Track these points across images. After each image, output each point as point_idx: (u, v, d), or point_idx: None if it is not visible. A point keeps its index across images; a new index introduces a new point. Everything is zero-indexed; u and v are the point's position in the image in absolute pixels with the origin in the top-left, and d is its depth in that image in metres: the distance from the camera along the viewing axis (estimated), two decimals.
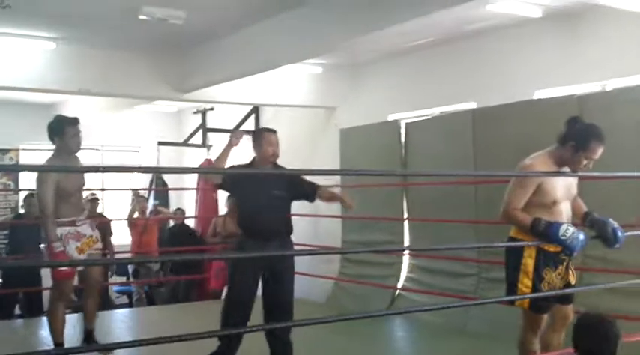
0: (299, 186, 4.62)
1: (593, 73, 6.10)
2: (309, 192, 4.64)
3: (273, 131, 4.58)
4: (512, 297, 3.76)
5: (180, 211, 9.59)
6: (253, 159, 4.60)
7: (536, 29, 6.56)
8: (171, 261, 8.46)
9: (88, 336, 5.01)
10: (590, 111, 5.29)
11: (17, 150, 10.97)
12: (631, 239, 3.76)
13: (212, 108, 10.67)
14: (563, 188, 3.74)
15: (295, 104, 9.12)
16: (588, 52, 6.16)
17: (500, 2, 5.27)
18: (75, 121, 4.81)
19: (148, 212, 9.34)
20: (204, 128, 10.78)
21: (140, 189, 9.52)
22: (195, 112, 11.04)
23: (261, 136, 4.53)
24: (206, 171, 7.56)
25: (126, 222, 8.94)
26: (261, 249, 4.39)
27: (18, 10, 6.12)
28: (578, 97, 5.81)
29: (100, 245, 4.95)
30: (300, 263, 8.80)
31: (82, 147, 4.82)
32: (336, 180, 7.69)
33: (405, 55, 7.84)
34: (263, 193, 4.41)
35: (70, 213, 4.66)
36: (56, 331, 4.83)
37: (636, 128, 5.32)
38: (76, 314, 7.80)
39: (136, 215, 8.99)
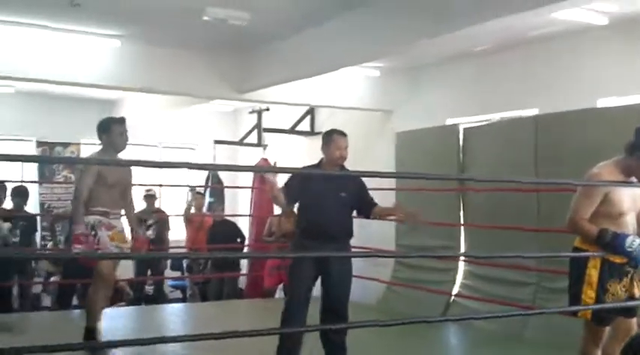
0: (363, 195, 4.63)
1: None
2: (367, 206, 4.64)
3: (343, 134, 4.59)
4: (575, 308, 3.71)
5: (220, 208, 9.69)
6: (321, 160, 4.63)
7: (600, 37, 6.43)
8: (225, 256, 8.51)
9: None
10: None
11: (78, 144, 11.29)
12: None
13: (267, 109, 10.78)
14: (630, 199, 3.68)
15: (351, 106, 9.14)
16: None
17: (565, 9, 5.17)
18: (122, 120, 5.00)
19: (204, 209, 9.49)
20: (259, 128, 10.91)
21: (197, 186, 9.68)
22: (251, 112, 11.18)
23: (331, 139, 4.54)
24: (266, 170, 7.60)
25: (182, 217, 9.10)
26: (319, 251, 4.41)
27: (86, 8, 6.30)
28: None
29: (128, 244, 5.03)
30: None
31: (127, 144, 4.98)
32: (391, 183, 7.67)
33: (466, 59, 7.77)
34: (329, 195, 4.43)
35: (106, 204, 4.84)
36: (92, 314, 4.89)
37: None
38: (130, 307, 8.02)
39: (192, 211, 9.15)
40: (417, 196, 7.46)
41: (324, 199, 4.42)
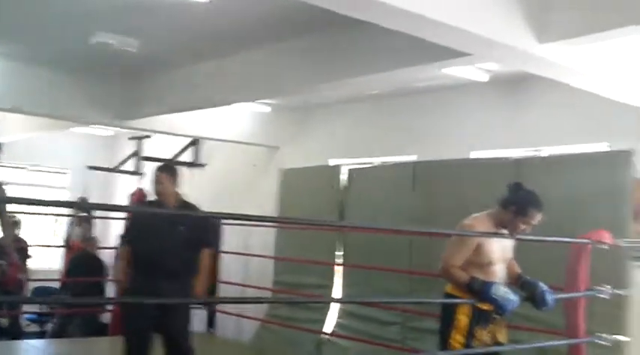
0: (203, 230, 4.53)
1: (529, 138, 6.37)
2: (201, 244, 4.49)
3: (158, 169, 4.59)
4: (444, 353, 3.82)
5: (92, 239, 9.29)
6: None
7: (480, 92, 6.81)
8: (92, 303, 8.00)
9: None
10: (525, 174, 5.48)
11: None
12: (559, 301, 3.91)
13: (149, 136, 10.46)
14: (500, 250, 3.87)
15: (237, 140, 9.08)
16: (526, 118, 6.44)
17: (452, 66, 5.43)
18: None
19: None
20: (138, 155, 10.55)
21: (80, 214, 9.27)
22: (130, 138, 10.80)
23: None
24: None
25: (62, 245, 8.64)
26: (156, 288, 4.20)
27: None
28: (515, 160, 6.03)
29: None
30: None
31: None
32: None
33: (354, 103, 7.97)
34: (164, 229, 4.29)
35: None
36: None
37: (566, 194, 5.53)
38: None
39: (76, 238, 8.74)
40: (296, 234, 7.52)
41: (158, 233, 4.26)
